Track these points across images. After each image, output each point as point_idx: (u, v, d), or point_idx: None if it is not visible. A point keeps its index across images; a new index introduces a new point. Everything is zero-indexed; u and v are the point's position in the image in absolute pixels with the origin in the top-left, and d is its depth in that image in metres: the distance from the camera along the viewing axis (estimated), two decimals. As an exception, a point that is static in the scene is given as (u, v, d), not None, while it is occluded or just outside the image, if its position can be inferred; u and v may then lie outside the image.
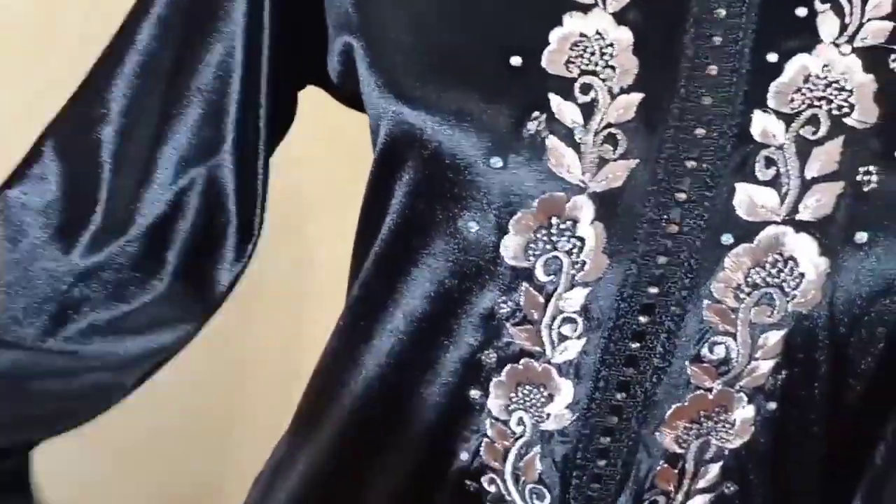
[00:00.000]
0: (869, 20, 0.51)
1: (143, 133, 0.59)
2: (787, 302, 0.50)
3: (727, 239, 0.50)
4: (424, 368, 0.55)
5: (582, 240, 0.51)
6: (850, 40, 0.51)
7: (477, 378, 0.54)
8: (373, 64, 0.54)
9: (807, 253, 0.50)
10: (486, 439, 0.54)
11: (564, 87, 0.51)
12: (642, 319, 0.52)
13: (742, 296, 0.51)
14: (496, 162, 0.51)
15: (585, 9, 0.52)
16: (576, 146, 0.50)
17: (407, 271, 0.54)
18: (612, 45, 0.51)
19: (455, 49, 0.53)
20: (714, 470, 0.54)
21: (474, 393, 0.54)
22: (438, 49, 0.53)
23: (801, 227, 0.50)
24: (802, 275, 0.50)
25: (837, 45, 0.51)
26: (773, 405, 0.52)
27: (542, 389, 0.53)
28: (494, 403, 0.54)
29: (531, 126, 0.51)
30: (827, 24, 0.51)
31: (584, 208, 0.50)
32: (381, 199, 0.56)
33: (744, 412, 0.52)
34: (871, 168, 0.50)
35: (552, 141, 0.50)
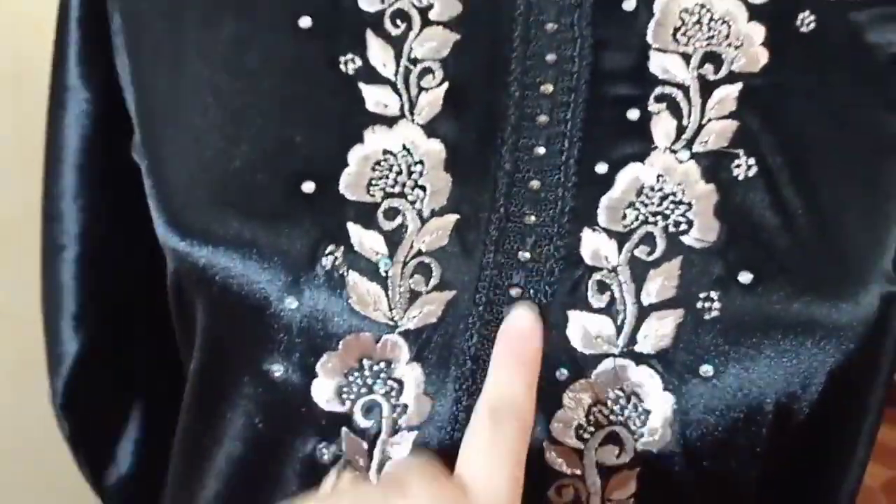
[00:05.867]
0: (709, 120, 0.47)
1: None
2: (636, 441, 0.46)
3: (562, 374, 0.46)
4: None
5: (400, 382, 0.47)
6: (689, 145, 0.47)
7: None
8: (155, 191, 0.49)
9: (650, 388, 0.45)
10: None
11: (366, 214, 0.46)
12: None
13: (585, 436, 0.46)
14: (290, 302, 0.46)
15: (391, 121, 0.47)
16: (381, 280, 0.46)
17: (221, 411, 0.50)
18: (421, 161, 0.47)
19: (238, 174, 0.48)
20: None
21: None
22: (221, 174, 0.48)
23: (641, 359, 0.45)
24: (648, 411, 0.46)
25: (674, 151, 0.47)
26: None
27: None
28: None
29: (326, 262, 0.46)
30: (661, 127, 0.47)
31: (398, 348, 0.46)
32: (187, 334, 0.51)
33: None
34: (713, 294, 0.45)
35: (353, 276, 0.46)
